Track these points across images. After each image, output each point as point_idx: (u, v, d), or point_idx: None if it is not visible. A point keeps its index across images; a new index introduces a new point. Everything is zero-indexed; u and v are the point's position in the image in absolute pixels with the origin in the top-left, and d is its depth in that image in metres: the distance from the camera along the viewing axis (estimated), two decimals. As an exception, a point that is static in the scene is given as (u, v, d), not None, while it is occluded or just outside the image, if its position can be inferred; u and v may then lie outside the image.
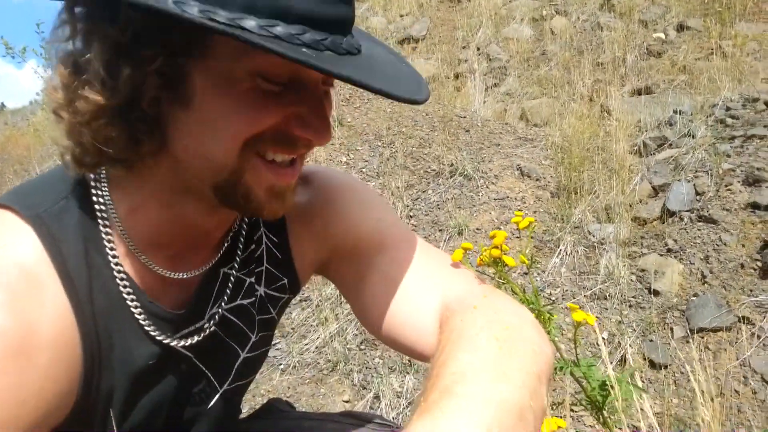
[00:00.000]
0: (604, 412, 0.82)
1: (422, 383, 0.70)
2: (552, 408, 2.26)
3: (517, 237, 3.29)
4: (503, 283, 0.83)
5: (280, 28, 0.58)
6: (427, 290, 0.82)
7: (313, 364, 2.76)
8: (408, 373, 2.52)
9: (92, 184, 0.72)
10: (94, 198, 0.71)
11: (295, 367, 2.75)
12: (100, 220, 0.71)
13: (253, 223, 0.89)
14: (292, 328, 3.05)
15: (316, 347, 2.84)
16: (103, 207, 0.71)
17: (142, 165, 0.68)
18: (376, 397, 2.42)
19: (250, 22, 0.57)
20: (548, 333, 0.81)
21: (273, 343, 2.93)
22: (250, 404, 2.59)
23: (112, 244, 0.72)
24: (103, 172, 0.72)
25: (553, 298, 2.86)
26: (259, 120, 0.64)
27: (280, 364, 2.80)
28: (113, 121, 0.62)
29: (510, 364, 0.63)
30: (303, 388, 2.62)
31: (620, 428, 0.86)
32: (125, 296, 0.73)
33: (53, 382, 0.64)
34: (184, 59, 0.62)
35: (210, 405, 0.89)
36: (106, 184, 0.72)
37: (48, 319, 0.64)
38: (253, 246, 0.88)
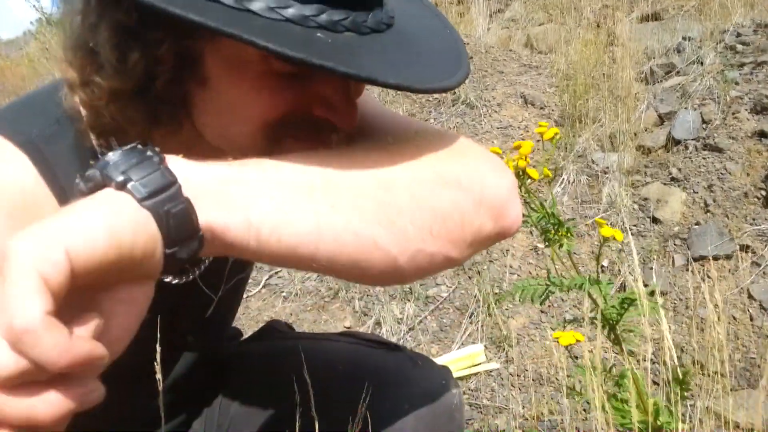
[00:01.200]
0: (617, 329, 0.81)
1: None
2: (565, 325, 2.29)
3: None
4: (526, 197, 0.81)
5: (292, 10, 0.53)
6: None
7: (314, 291, 2.79)
8: (408, 300, 2.54)
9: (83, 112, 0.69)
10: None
11: (297, 294, 2.78)
12: (98, 147, 0.68)
13: None
14: (294, 257, 3.07)
15: (318, 275, 2.86)
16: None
17: (158, 141, 0.66)
18: (377, 323, 2.45)
19: (259, 4, 0.52)
20: (564, 247, 0.79)
21: (276, 271, 2.95)
22: (253, 330, 2.63)
23: None
24: None
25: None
26: (275, 103, 0.60)
27: (282, 292, 2.83)
28: (131, 103, 0.60)
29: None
30: (305, 315, 2.66)
31: (636, 346, 0.86)
32: None
33: None
34: (194, 41, 0.58)
35: (208, 314, 0.89)
36: None
37: None
38: None
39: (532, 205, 0.81)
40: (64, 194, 0.65)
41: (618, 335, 0.80)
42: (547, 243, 0.83)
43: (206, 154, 0.66)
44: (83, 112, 0.64)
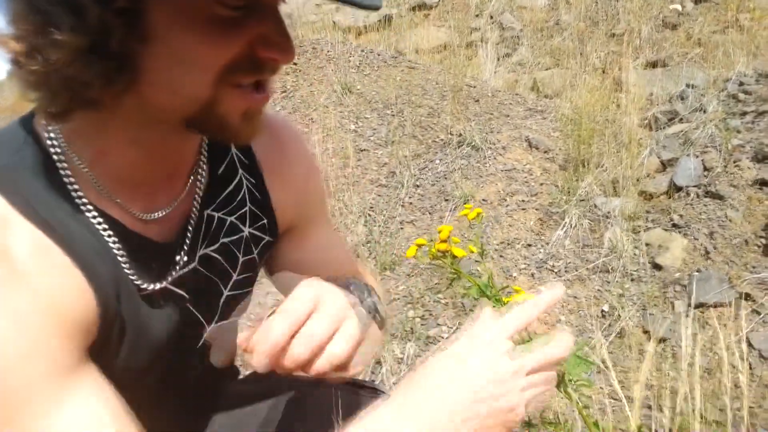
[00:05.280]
0: (566, 386, 0.83)
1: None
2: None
3: (523, 209, 3.30)
4: (456, 275, 0.86)
5: None
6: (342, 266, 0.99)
7: (316, 329, 2.80)
8: (409, 340, 2.56)
9: (45, 135, 0.71)
10: (51, 149, 0.71)
11: (298, 331, 2.79)
12: (61, 170, 0.71)
13: (230, 167, 0.91)
14: (297, 294, 3.09)
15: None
16: (62, 156, 0.71)
17: (107, 107, 0.67)
18: (378, 362, 2.46)
19: None
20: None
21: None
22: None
23: (79, 193, 0.71)
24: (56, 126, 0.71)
25: (556, 270, 2.88)
26: (225, 48, 0.64)
27: (284, 329, 2.84)
28: (88, 62, 0.60)
29: None
30: (306, 353, 2.66)
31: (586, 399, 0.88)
32: (106, 239, 0.73)
33: (76, 281, 0.67)
34: None
35: (199, 344, 0.91)
36: (60, 134, 0.71)
37: (26, 249, 0.64)
38: (232, 188, 0.90)
39: (467, 282, 0.85)
40: (40, 219, 0.67)
41: (567, 390, 0.82)
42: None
43: (147, 120, 0.71)
44: (33, 95, 0.65)
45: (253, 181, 0.94)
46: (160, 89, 0.66)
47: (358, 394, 1.07)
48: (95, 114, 0.68)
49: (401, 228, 3.41)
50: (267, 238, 0.97)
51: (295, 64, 4.99)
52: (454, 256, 0.84)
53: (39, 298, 0.62)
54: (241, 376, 1.23)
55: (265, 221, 0.96)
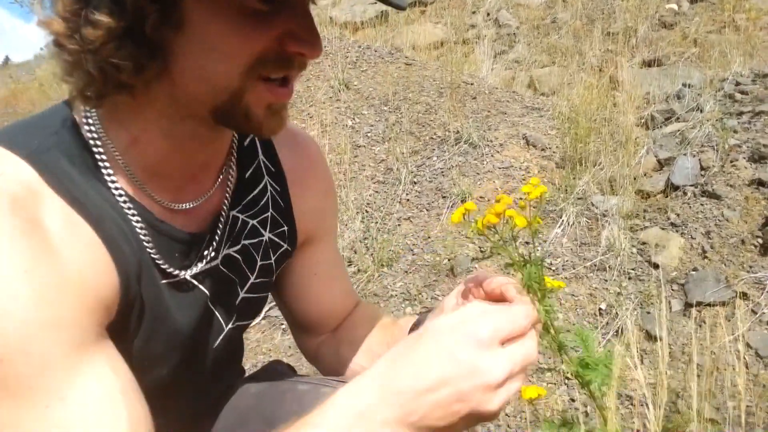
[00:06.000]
0: (591, 386, 0.82)
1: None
2: (547, 372, 2.31)
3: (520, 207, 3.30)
4: (500, 247, 0.78)
5: None
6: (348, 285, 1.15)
7: (314, 325, 2.79)
8: (407, 337, 2.55)
9: (83, 120, 0.72)
10: (87, 134, 0.72)
11: (296, 327, 2.79)
12: (97, 155, 0.72)
13: (257, 172, 0.93)
14: (294, 290, 3.08)
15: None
16: (98, 141, 0.72)
17: (140, 94, 0.69)
18: (376, 359, 2.45)
19: None
20: (546, 303, 0.78)
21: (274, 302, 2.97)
22: (251, 362, 2.63)
23: (112, 177, 0.73)
24: (92, 111, 0.73)
25: (554, 268, 2.88)
26: (256, 40, 0.66)
27: (282, 324, 2.84)
28: (121, 45, 0.63)
29: None
30: (304, 349, 2.66)
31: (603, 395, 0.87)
32: (134, 223, 0.75)
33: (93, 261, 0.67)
34: None
35: (216, 344, 0.92)
36: (97, 120, 0.73)
37: (57, 223, 0.65)
38: (257, 193, 0.92)
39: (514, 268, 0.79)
40: (73, 197, 0.68)
41: (590, 390, 0.81)
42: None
43: (179, 107, 0.72)
44: (70, 80, 0.67)
45: (278, 188, 0.96)
46: (191, 77, 0.68)
47: None
48: (129, 100, 0.69)
49: (399, 225, 3.41)
50: (285, 246, 0.99)
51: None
52: (496, 231, 0.75)
53: (65, 271, 0.64)
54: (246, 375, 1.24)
55: (285, 229, 0.98)
